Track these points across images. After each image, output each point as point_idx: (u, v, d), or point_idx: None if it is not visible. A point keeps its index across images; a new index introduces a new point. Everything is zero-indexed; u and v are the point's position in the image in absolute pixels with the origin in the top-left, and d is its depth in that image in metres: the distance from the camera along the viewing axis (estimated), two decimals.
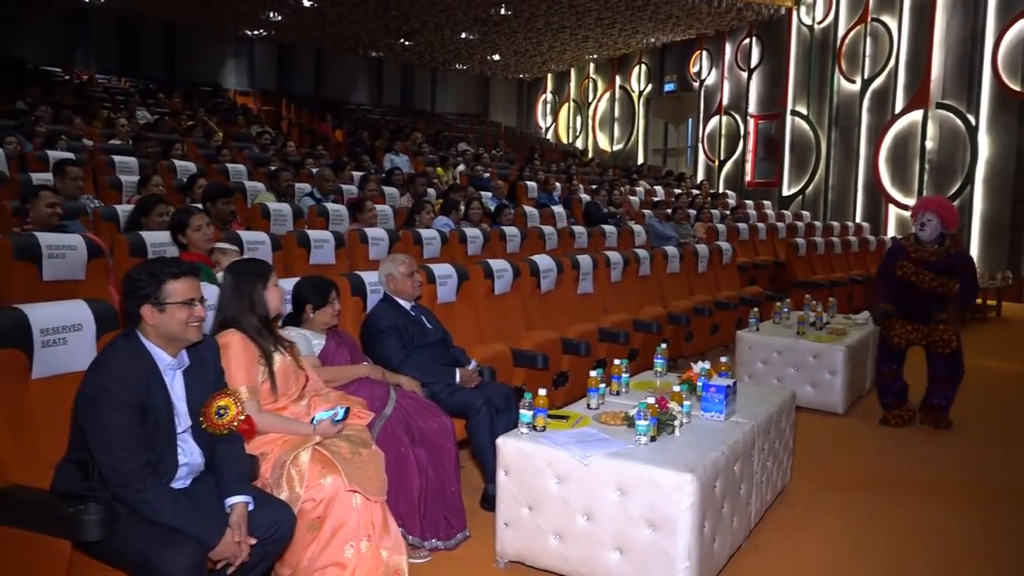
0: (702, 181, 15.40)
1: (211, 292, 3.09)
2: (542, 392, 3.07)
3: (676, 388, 3.29)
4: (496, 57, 19.27)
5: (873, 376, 5.57)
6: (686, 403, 3.21)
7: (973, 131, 12.22)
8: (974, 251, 12.14)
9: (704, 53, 16.97)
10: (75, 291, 3.53)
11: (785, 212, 13.52)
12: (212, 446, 2.33)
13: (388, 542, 2.75)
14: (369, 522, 2.68)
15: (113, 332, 2.46)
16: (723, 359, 3.78)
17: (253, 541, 2.21)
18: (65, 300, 2.60)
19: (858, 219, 13.66)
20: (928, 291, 4.87)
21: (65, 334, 2.44)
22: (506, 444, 2.99)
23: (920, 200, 5.18)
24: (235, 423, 2.30)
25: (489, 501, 3.42)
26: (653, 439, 2.95)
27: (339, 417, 2.74)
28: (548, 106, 21.96)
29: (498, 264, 4.98)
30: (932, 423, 5.09)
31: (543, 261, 5.39)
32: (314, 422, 2.74)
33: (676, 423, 3.07)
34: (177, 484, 2.25)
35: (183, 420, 2.26)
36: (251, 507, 2.27)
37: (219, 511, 2.21)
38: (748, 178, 16.02)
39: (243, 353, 2.70)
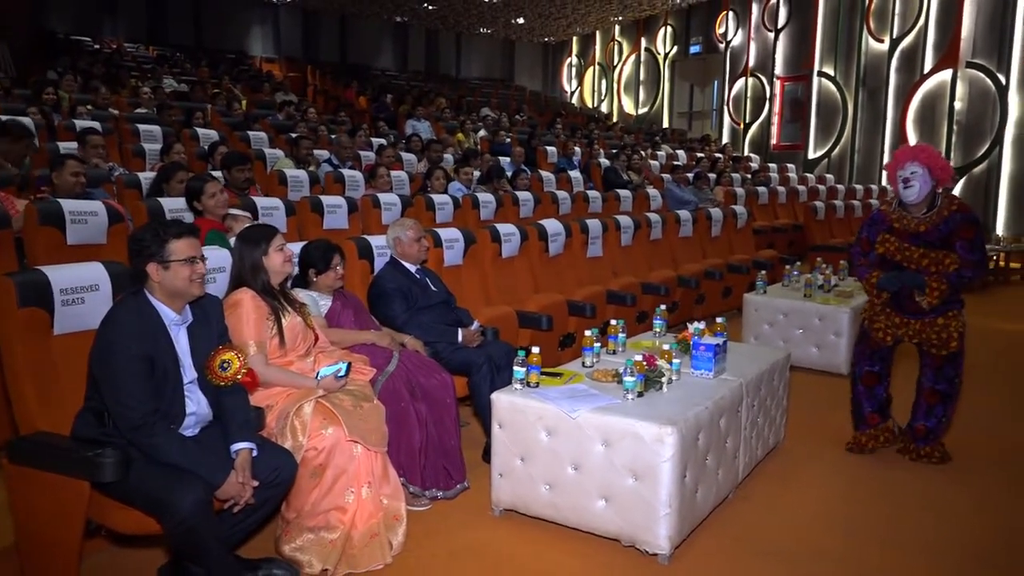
0: (725, 144, 15.29)
1: (224, 257, 3.28)
2: (535, 350, 3.21)
3: (666, 347, 3.41)
4: (520, 20, 19.16)
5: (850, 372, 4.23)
6: (676, 361, 3.33)
7: (1003, 91, 11.96)
8: (1001, 214, 11.96)
9: (730, 13, 16.72)
10: (98, 254, 3.74)
11: (808, 175, 13.39)
12: (219, 398, 2.52)
13: (387, 489, 2.94)
14: (369, 470, 2.86)
15: None
16: (719, 319, 3.87)
17: (256, 483, 2.40)
18: (84, 262, 2.79)
19: (884, 183, 13.49)
20: (919, 272, 3.72)
21: (83, 294, 2.63)
22: (500, 399, 3.14)
23: (899, 149, 3.77)
24: (238, 376, 2.48)
25: (489, 454, 3.58)
26: (640, 395, 3.08)
27: (342, 373, 2.92)
28: (573, 70, 21.81)
29: (505, 228, 5.09)
30: (913, 453, 3.92)
31: (551, 225, 5.49)
32: (318, 377, 2.92)
33: (664, 380, 3.19)
34: (187, 432, 2.44)
35: (188, 372, 2.45)
36: (255, 453, 2.46)
37: (224, 455, 2.40)
38: (774, 141, 15.86)
39: (253, 310, 2.88)
